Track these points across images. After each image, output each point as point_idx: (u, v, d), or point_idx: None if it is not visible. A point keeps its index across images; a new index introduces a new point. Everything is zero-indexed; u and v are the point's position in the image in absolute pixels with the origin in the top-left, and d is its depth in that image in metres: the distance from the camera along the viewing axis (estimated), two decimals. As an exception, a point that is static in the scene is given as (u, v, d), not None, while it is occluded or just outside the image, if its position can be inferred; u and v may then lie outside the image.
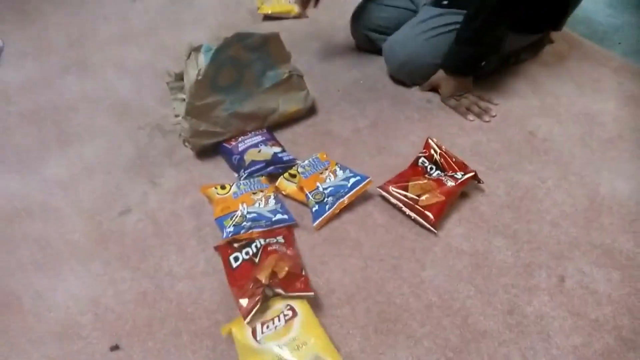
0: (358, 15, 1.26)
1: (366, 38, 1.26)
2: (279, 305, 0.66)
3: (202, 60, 0.87)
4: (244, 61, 0.93)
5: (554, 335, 0.66)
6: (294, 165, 0.90)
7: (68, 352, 0.66)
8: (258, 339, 0.62)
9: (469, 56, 1.04)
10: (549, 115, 1.06)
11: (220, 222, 0.79)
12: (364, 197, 0.86)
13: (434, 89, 1.13)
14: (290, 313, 0.64)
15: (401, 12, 1.21)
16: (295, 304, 0.66)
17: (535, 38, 1.17)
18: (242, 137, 0.94)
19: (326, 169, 0.88)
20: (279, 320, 0.64)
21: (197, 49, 0.90)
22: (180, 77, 1.08)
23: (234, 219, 0.78)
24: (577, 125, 1.04)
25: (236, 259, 0.71)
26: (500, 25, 1.01)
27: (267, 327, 0.63)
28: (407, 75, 1.15)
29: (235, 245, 0.72)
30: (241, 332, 0.63)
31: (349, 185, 0.85)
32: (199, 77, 0.87)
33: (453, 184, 0.83)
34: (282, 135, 1.03)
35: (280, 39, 0.96)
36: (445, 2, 1.11)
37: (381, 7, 1.22)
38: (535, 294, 0.71)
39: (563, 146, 0.98)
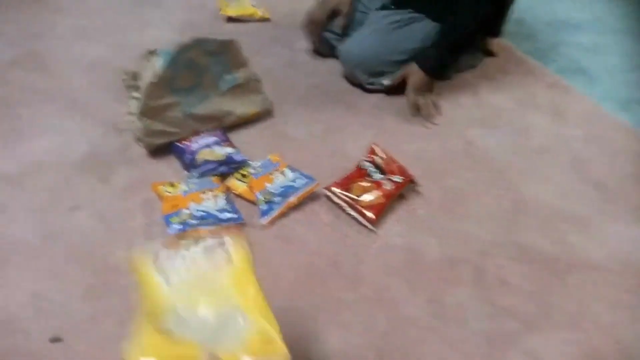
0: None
1: (325, 41, 1.34)
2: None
3: (159, 62, 0.92)
4: (202, 65, 0.98)
5: (470, 320, 0.74)
6: (245, 166, 0.96)
7: (6, 345, 0.68)
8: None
9: (444, 61, 1.18)
10: (487, 126, 1.17)
11: (167, 219, 0.84)
12: (311, 198, 0.93)
13: (404, 80, 1.20)
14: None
15: (356, 16, 1.30)
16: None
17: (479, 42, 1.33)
18: (195, 137, 0.99)
19: (277, 170, 0.94)
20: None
21: (154, 52, 0.94)
22: (136, 76, 1.11)
23: (181, 216, 0.83)
24: (511, 136, 1.14)
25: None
26: (476, 36, 1.18)
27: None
28: (363, 73, 1.22)
29: (182, 242, 0.77)
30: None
31: (297, 186, 0.91)
32: (154, 80, 0.91)
33: (392, 186, 0.91)
34: (238, 137, 1.08)
35: (238, 45, 1.02)
36: (392, 7, 1.24)
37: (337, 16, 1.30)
38: (458, 286, 0.80)
39: (497, 155, 1.08)
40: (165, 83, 0.94)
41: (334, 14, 1.29)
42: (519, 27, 1.63)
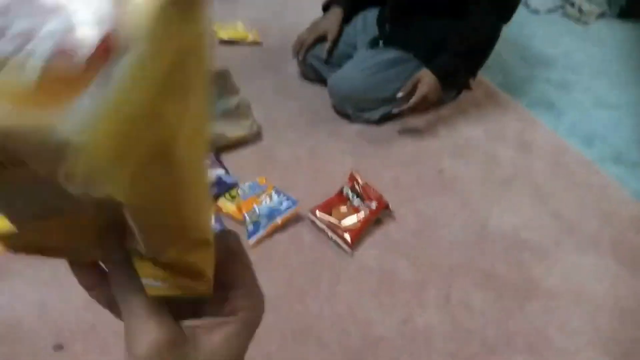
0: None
1: (310, 66, 1.41)
2: None
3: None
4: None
5: (436, 341, 0.81)
6: (234, 188, 1.01)
7: (12, 351, 0.73)
8: None
9: (456, 66, 1.25)
10: (459, 155, 1.25)
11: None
12: (295, 219, 0.99)
13: (415, 86, 1.24)
14: None
15: (342, 47, 1.36)
16: None
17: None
18: (189, 158, 1.04)
19: (264, 192, 1.00)
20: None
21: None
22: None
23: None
24: (480, 165, 1.23)
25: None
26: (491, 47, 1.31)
27: None
28: (350, 107, 1.29)
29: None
30: None
31: (282, 208, 0.97)
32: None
33: (369, 212, 0.98)
34: (228, 158, 1.13)
35: (229, 74, 1.08)
36: (381, 44, 1.29)
37: (324, 42, 1.37)
38: (426, 309, 0.87)
39: (466, 184, 1.16)
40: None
41: (321, 38, 1.36)
42: (493, 61, 1.72)
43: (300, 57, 1.39)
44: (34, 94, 0.14)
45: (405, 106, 1.21)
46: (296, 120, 1.30)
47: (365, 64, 1.26)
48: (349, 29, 1.38)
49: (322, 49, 1.37)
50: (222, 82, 1.08)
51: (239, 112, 1.14)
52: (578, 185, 1.20)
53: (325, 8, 1.40)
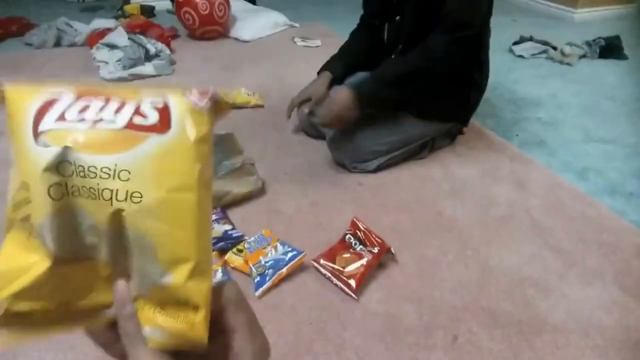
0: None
1: (311, 124, 1.48)
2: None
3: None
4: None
5: (445, 384, 0.81)
6: (241, 241, 1.05)
7: None
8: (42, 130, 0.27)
9: (378, 91, 1.21)
10: (456, 197, 1.28)
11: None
12: (300, 268, 1.02)
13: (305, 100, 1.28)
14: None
15: None
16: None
17: (445, 127, 1.43)
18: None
19: (269, 244, 1.04)
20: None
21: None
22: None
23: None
24: (477, 206, 1.25)
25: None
26: (416, 85, 1.21)
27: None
28: (348, 160, 1.35)
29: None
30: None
31: (287, 258, 1.00)
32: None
33: (371, 257, 1.00)
34: (234, 214, 1.18)
35: (233, 137, 1.16)
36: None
37: None
38: (433, 351, 0.86)
39: (464, 225, 1.18)
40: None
41: (309, 100, 1.43)
42: (484, 105, 1.80)
43: (288, 117, 1.46)
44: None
45: (315, 119, 1.27)
46: (298, 175, 1.36)
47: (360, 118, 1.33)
48: None
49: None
50: (228, 145, 1.15)
51: (244, 170, 1.20)
52: (575, 218, 1.22)
53: (320, 73, 1.50)
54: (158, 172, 0.26)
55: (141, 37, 2.18)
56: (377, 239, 1.05)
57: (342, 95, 1.21)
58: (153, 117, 0.26)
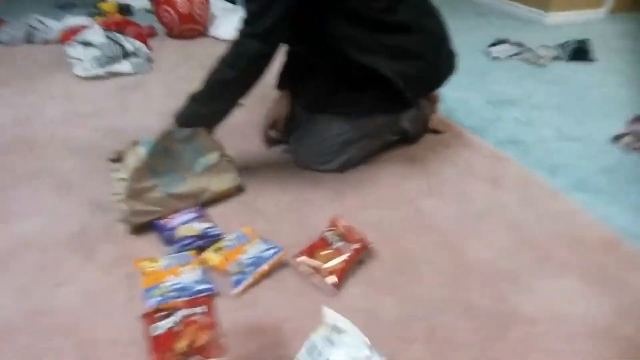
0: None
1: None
2: None
3: (142, 150, 1.02)
4: (176, 151, 1.10)
5: (423, 377, 0.81)
6: (220, 239, 1.04)
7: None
8: None
9: (192, 108, 1.15)
10: (434, 194, 1.30)
11: (147, 293, 0.90)
12: (280, 266, 1.01)
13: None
14: None
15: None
16: None
17: (395, 117, 1.40)
18: (175, 214, 1.08)
19: (248, 242, 1.03)
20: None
21: (136, 143, 1.05)
22: (119, 159, 1.21)
23: (160, 289, 0.89)
24: (454, 203, 1.27)
25: (158, 328, 0.81)
26: (230, 99, 1.15)
27: None
28: (313, 167, 1.36)
29: (159, 314, 0.83)
30: None
31: (267, 256, 0.99)
32: (138, 166, 1.01)
33: (351, 252, 1.00)
34: (214, 211, 1.17)
35: (206, 132, 1.14)
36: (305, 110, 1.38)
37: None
38: (413, 343, 0.87)
39: (442, 220, 1.20)
40: (147, 168, 1.04)
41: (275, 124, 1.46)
42: (460, 105, 1.84)
43: (267, 147, 1.47)
44: None
45: None
46: (278, 172, 1.35)
47: (306, 128, 1.36)
48: None
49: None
50: (202, 141, 1.14)
51: (221, 166, 1.18)
52: (547, 213, 1.24)
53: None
54: None
55: (118, 34, 2.13)
56: (358, 235, 1.05)
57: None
58: None
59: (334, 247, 1.03)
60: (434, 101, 1.58)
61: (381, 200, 1.27)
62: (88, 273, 0.98)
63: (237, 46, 1.09)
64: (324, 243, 1.05)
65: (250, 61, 1.10)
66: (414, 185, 1.33)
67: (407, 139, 1.51)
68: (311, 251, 1.02)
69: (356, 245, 1.02)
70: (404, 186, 1.33)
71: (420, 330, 0.90)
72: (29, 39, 2.32)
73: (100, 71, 1.94)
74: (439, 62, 1.32)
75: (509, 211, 1.25)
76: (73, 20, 2.42)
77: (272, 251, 1.01)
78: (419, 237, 1.13)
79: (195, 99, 1.13)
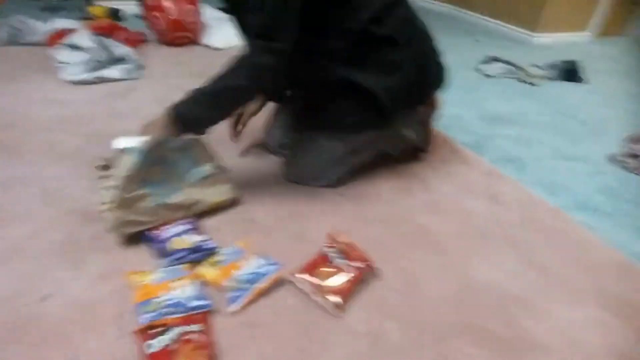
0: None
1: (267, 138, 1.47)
2: None
3: (131, 158, 0.96)
4: (170, 160, 1.03)
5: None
6: (215, 253, 0.98)
7: None
8: None
9: (195, 112, 1.06)
10: (434, 211, 1.26)
11: (139, 308, 0.83)
12: (278, 283, 0.95)
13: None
14: None
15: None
16: None
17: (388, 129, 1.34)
18: (167, 226, 1.01)
19: (244, 257, 0.97)
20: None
21: (126, 150, 0.99)
22: (108, 166, 1.14)
23: (152, 305, 0.83)
24: (455, 220, 1.24)
25: (151, 346, 0.74)
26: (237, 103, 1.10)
27: None
28: (305, 184, 1.31)
29: (152, 331, 0.76)
30: None
31: (265, 272, 0.93)
32: (128, 174, 0.95)
33: (355, 272, 0.95)
34: (207, 223, 1.10)
35: (202, 142, 1.09)
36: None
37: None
38: (420, 370, 0.82)
39: (443, 238, 1.16)
40: (138, 177, 0.97)
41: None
42: (455, 121, 1.82)
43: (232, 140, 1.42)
44: None
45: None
46: (275, 184, 1.30)
47: (293, 148, 1.32)
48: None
49: (271, 136, 1.45)
50: (197, 151, 1.08)
51: (216, 177, 1.12)
52: (552, 234, 1.21)
53: None
54: None
55: (106, 39, 2.06)
56: (359, 253, 1.00)
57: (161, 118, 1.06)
58: None
59: (335, 264, 0.98)
60: (433, 107, 1.53)
61: (380, 215, 1.22)
62: (76, 285, 0.90)
63: (251, 57, 1.04)
64: (324, 259, 1.00)
65: (263, 73, 1.06)
66: (415, 201, 1.30)
67: (418, 150, 1.47)
68: (312, 268, 0.97)
69: (359, 264, 0.98)
70: (403, 201, 1.29)
71: (427, 357, 0.84)
72: (12, 40, 2.23)
73: (88, 76, 1.87)
74: (424, 76, 1.29)
75: (511, 230, 1.22)
76: (61, 23, 2.34)
77: (270, 267, 0.95)
78: (421, 256, 1.09)
79: (197, 100, 1.05)
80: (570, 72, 2.42)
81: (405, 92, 1.24)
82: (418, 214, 1.24)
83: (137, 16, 2.85)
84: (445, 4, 4.00)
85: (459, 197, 1.34)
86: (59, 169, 1.26)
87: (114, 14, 2.81)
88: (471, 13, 3.65)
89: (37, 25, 2.31)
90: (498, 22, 3.39)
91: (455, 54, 2.59)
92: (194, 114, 1.06)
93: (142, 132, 1.05)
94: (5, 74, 1.84)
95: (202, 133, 1.10)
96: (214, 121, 1.09)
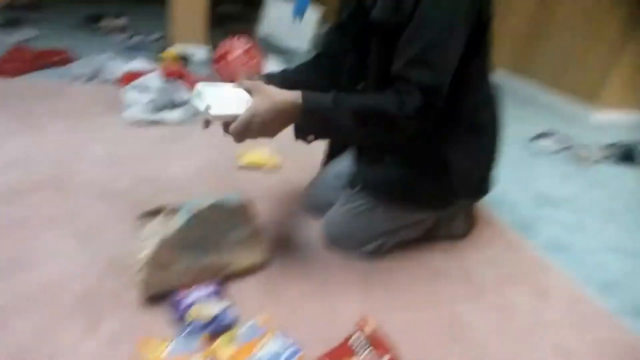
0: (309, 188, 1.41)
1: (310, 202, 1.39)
2: None
3: (177, 222, 0.93)
4: (212, 222, 1.00)
5: None
6: (234, 327, 0.91)
7: None
8: None
9: (326, 116, 0.91)
10: (472, 300, 1.14)
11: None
12: (296, 368, 0.86)
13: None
14: None
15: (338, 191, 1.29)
16: None
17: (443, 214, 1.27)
18: (190, 289, 0.96)
19: (264, 336, 0.89)
20: None
21: (174, 210, 0.96)
22: (157, 213, 1.11)
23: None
24: (495, 313, 1.10)
25: None
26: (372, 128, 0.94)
27: None
28: (341, 247, 1.23)
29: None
30: None
31: (283, 356, 0.85)
32: (167, 238, 0.92)
33: (380, 368, 0.85)
34: (232, 288, 1.04)
35: (252, 206, 1.05)
36: (358, 187, 1.19)
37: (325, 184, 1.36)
38: None
39: (482, 333, 1.03)
40: (176, 241, 0.94)
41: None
42: (502, 199, 1.69)
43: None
44: None
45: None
46: (305, 252, 1.23)
47: (346, 206, 1.22)
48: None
49: (315, 194, 1.38)
50: (240, 213, 1.04)
51: (250, 242, 1.07)
52: (599, 341, 1.06)
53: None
54: None
55: (174, 83, 2.14)
56: (387, 345, 0.90)
57: (285, 95, 0.88)
58: None
59: (360, 357, 0.88)
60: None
61: (413, 298, 1.11)
62: (85, 347, 0.86)
63: (414, 102, 0.90)
64: (348, 351, 0.90)
65: (418, 117, 0.91)
66: (452, 286, 1.18)
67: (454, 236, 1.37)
68: (334, 358, 0.87)
69: (386, 358, 0.87)
70: (439, 284, 1.17)
71: None
72: (93, 77, 2.37)
73: (150, 117, 1.93)
74: (493, 169, 1.22)
75: (557, 332, 1.07)
76: (136, 64, 2.48)
77: (289, 351, 0.86)
78: (453, 351, 0.97)
79: (328, 107, 0.88)
80: (629, 155, 2.23)
81: (480, 181, 1.21)
82: (454, 301, 1.12)
83: (205, 62, 2.98)
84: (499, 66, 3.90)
85: (501, 287, 1.21)
86: (103, 210, 1.26)
87: (184, 58, 2.96)
88: (525, 79, 3.50)
89: (116, 64, 2.45)
90: (553, 91, 3.22)
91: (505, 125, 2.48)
92: (316, 118, 0.90)
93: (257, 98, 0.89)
94: (74, 111, 1.93)
95: (307, 141, 0.96)
96: (331, 135, 1.01)
